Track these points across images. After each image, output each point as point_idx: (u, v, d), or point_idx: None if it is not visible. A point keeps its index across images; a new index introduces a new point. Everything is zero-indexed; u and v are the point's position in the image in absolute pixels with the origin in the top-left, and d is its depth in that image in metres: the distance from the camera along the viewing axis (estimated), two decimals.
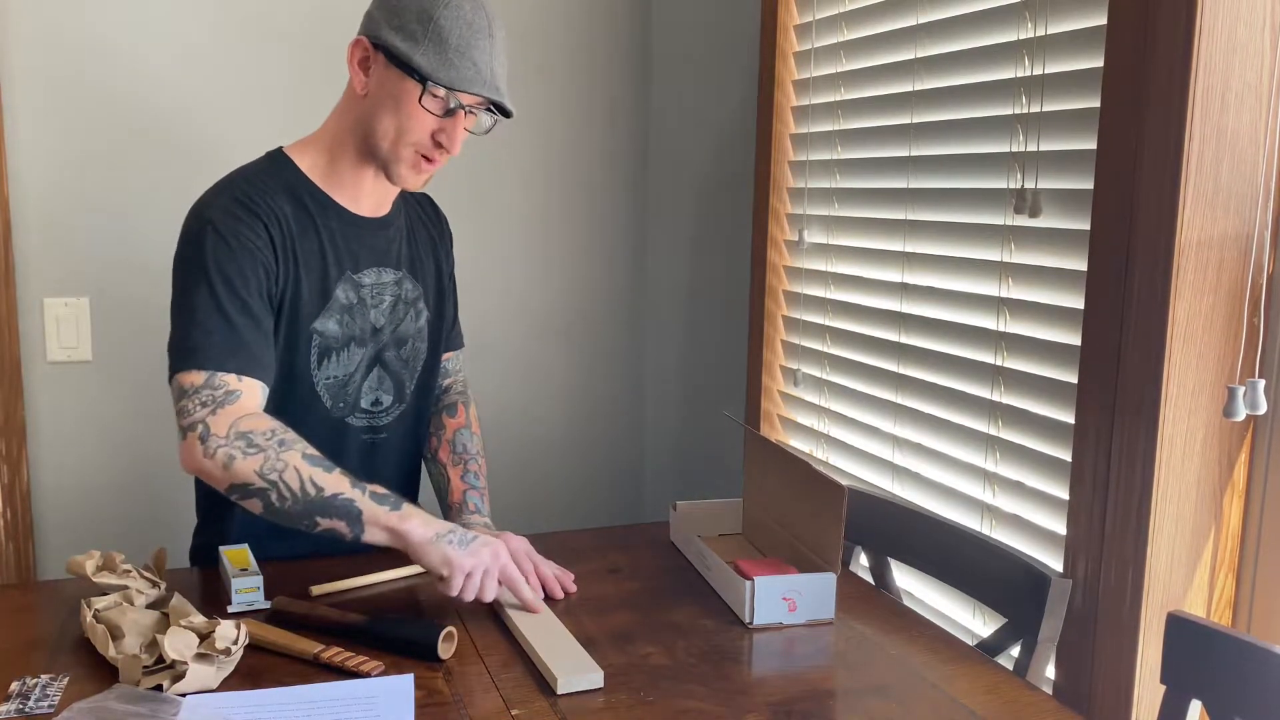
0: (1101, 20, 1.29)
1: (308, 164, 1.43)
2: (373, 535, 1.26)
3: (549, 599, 1.32)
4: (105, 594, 1.22)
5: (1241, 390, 1.16)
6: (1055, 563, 1.36)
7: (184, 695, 1.06)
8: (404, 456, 1.57)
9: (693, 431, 2.42)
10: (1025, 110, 1.42)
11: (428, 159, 1.38)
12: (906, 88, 1.65)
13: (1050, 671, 1.34)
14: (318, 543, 1.34)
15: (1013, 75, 1.44)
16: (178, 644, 1.08)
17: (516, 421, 2.46)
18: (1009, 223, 1.45)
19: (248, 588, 1.28)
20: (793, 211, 1.98)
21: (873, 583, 1.52)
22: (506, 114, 1.40)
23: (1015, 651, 1.32)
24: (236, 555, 1.35)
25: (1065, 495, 1.34)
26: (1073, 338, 1.34)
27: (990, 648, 1.34)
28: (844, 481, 1.32)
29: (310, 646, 1.16)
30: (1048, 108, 1.38)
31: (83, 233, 2.10)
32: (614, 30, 2.45)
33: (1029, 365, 1.43)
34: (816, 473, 1.36)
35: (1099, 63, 1.28)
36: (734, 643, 1.24)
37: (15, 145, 2.03)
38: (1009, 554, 1.35)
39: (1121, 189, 1.24)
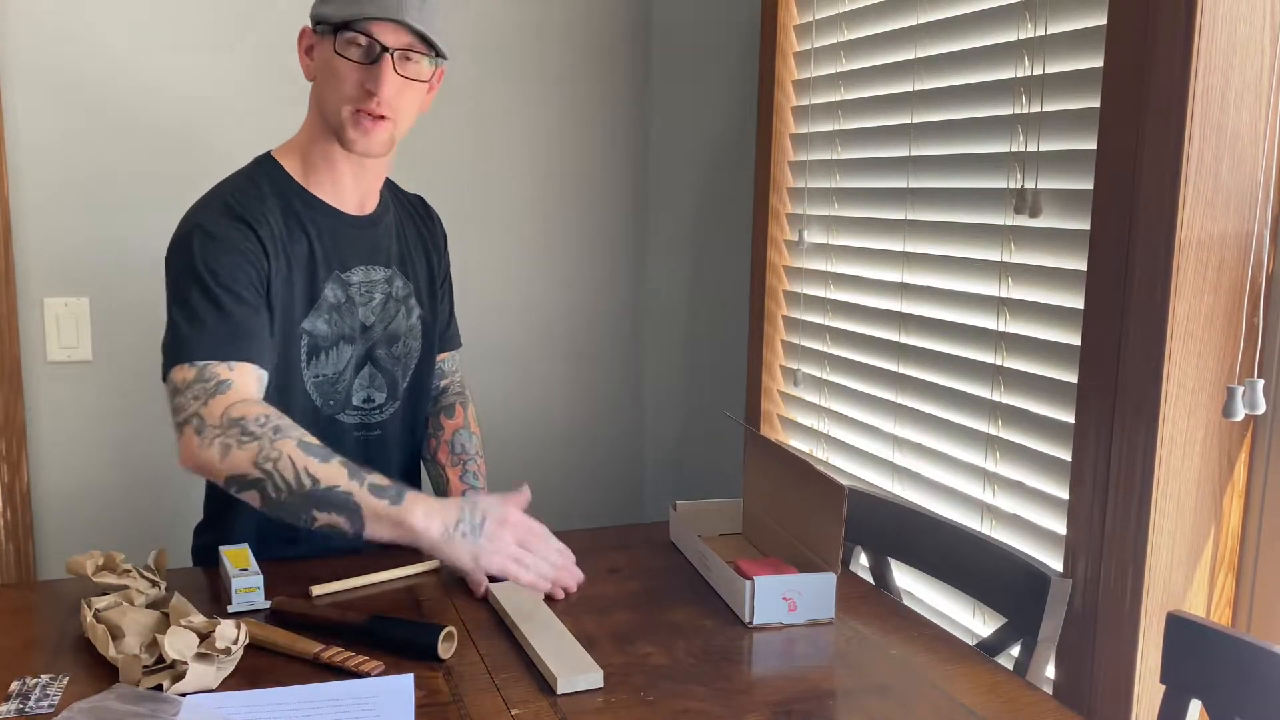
0: (1101, 20, 1.29)
1: (291, 165, 1.44)
2: (375, 530, 1.22)
3: (549, 599, 1.32)
4: (105, 594, 1.23)
5: (1241, 390, 1.16)
6: (1055, 563, 1.36)
7: (184, 695, 1.06)
8: (401, 454, 1.57)
9: (693, 431, 2.42)
10: (1025, 110, 1.42)
11: (368, 113, 1.35)
12: (906, 88, 1.65)
13: (1050, 671, 1.34)
14: (319, 542, 1.35)
15: (1013, 75, 1.44)
16: (178, 644, 1.08)
17: (517, 421, 2.46)
18: (1009, 223, 1.45)
19: (248, 588, 1.28)
20: (793, 211, 1.98)
21: (873, 583, 1.52)
22: (434, 48, 1.36)
23: (1015, 651, 1.32)
24: (236, 555, 1.35)
25: (1065, 495, 1.34)
26: (1073, 338, 1.34)
27: (990, 648, 1.34)
28: (844, 481, 1.32)
29: (310, 646, 1.16)
30: (1048, 108, 1.38)
31: (83, 233, 2.10)
32: (614, 30, 2.45)
33: (1029, 365, 1.43)
34: (816, 473, 1.36)
35: (1099, 63, 1.28)
36: (734, 643, 1.24)
37: (15, 145, 2.03)
38: (1009, 554, 1.35)
39: (1121, 189, 1.24)
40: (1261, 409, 1.16)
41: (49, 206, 2.07)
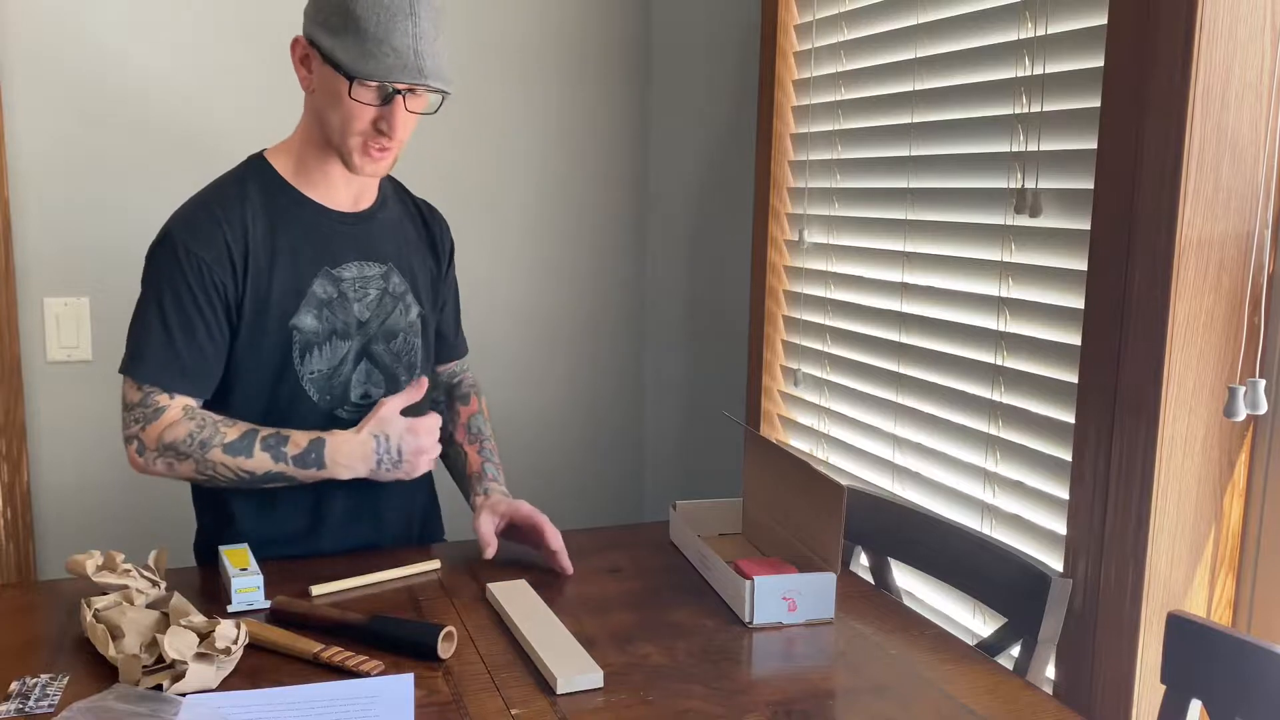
0: (1101, 20, 1.29)
1: (282, 164, 1.47)
2: (319, 481, 1.41)
3: (548, 600, 1.32)
4: (105, 594, 1.23)
5: (1242, 390, 1.16)
6: (1055, 562, 1.36)
7: (184, 695, 1.06)
8: None
9: (693, 431, 2.42)
10: (1025, 110, 1.42)
11: (377, 146, 1.39)
12: (906, 87, 1.65)
13: (1050, 671, 1.34)
14: (320, 543, 1.45)
15: (1013, 75, 1.44)
16: (178, 644, 1.08)
17: (517, 421, 2.46)
18: (1009, 222, 1.45)
19: (248, 587, 1.28)
20: (793, 211, 1.98)
21: (873, 583, 1.52)
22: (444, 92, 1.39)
23: (1015, 651, 1.32)
24: (236, 555, 1.35)
25: (1065, 495, 1.34)
26: (1073, 338, 1.34)
27: (990, 648, 1.34)
28: (844, 481, 1.32)
29: (310, 646, 1.16)
30: (1048, 108, 1.38)
31: (83, 233, 2.10)
32: (614, 30, 2.45)
33: (1029, 365, 1.43)
34: (816, 472, 1.36)
35: (1099, 63, 1.28)
36: (734, 642, 1.24)
37: (15, 145, 2.03)
38: (1009, 554, 1.35)
39: (1121, 189, 1.24)
40: (1263, 409, 1.16)
41: (49, 206, 2.07)
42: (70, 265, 2.09)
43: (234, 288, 1.40)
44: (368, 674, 1.12)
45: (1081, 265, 1.32)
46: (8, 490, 2.08)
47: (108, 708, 1.02)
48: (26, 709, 1.05)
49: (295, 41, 1.41)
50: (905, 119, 1.66)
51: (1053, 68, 1.37)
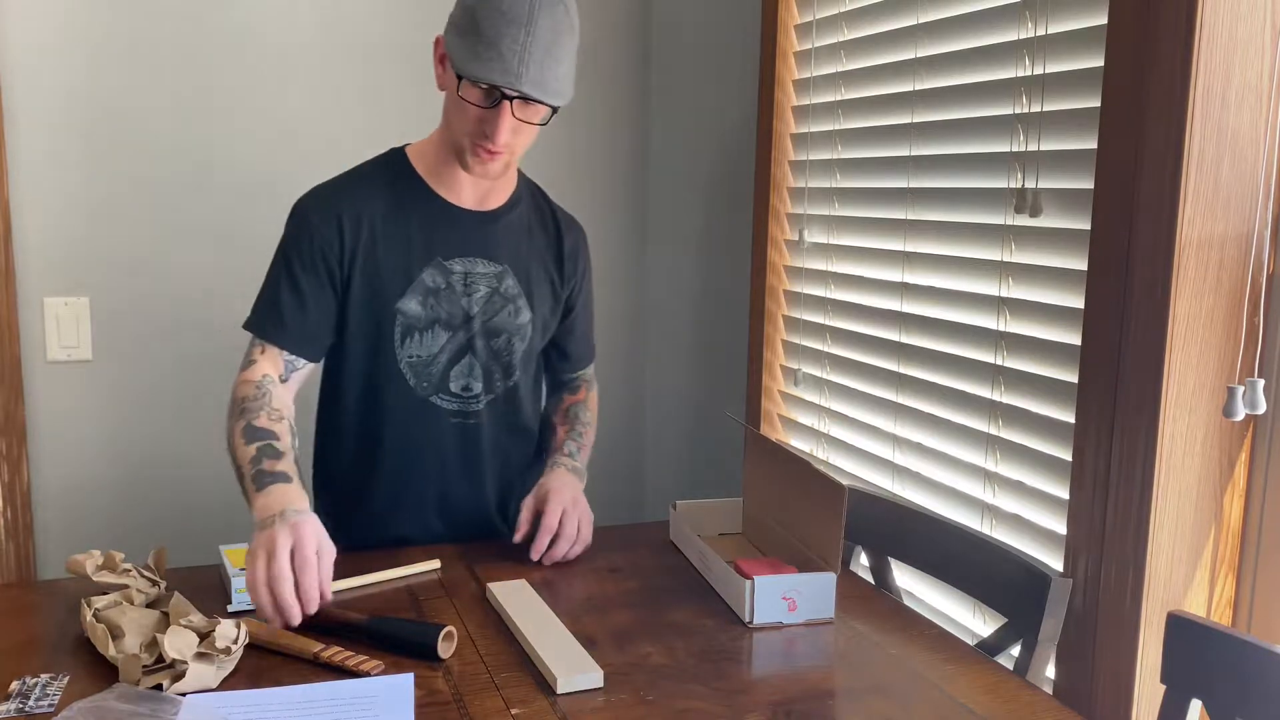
0: (1101, 20, 1.29)
1: (417, 158, 1.53)
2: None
3: (548, 600, 1.32)
4: (105, 593, 1.23)
5: (1241, 390, 1.16)
6: (1055, 562, 1.36)
7: (184, 695, 1.06)
8: (496, 447, 1.60)
9: (693, 431, 2.42)
10: (1025, 110, 1.42)
11: (484, 149, 1.42)
12: (907, 87, 1.65)
13: (1050, 671, 1.34)
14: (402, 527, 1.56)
15: (1013, 75, 1.44)
16: (178, 643, 1.08)
17: None
18: (1009, 222, 1.45)
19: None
20: (793, 211, 1.98)
21: (873, 583, 1.52)
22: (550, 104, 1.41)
23: (1015, 651, 1.32)
24: (237, 555, 1.34)
25: (1065, 495, 1.34)
26: (1073, 337, 1.34)
27: (990, 647, 1.34)
28: (844, 481, 1.32)
29: (310, 646, 1.16)
30: (1048, 108, 1.38)
31: (83, 233, 2.10)
32: (614, 30, 2.44)
33: (1029, 365, 1.43)
34: (816, 472, 1.36)
35: (1099, 63, 1.28)
36: (734, 642, 1.24)
37: (15, 145, 2.03)
38: (1009, 553, 1.35)
39: (1121, 189, 1.24)
40: (1262, 409, 1.16)
41: (49, 206, 2.07)
42: (70, 265, 2.09)
43: (342, 263, 1.47)
44: (368, 674, 1.12)
45: (1081, 265, 1.32)
46: (8, 490, 2.08)
47: (108, 707, 1.02)
48: (26, 709, 1.05)
49: (437, 40, 1.44)
50: (905, 119, 1.66)
51: (1053, 68, 1.37)
